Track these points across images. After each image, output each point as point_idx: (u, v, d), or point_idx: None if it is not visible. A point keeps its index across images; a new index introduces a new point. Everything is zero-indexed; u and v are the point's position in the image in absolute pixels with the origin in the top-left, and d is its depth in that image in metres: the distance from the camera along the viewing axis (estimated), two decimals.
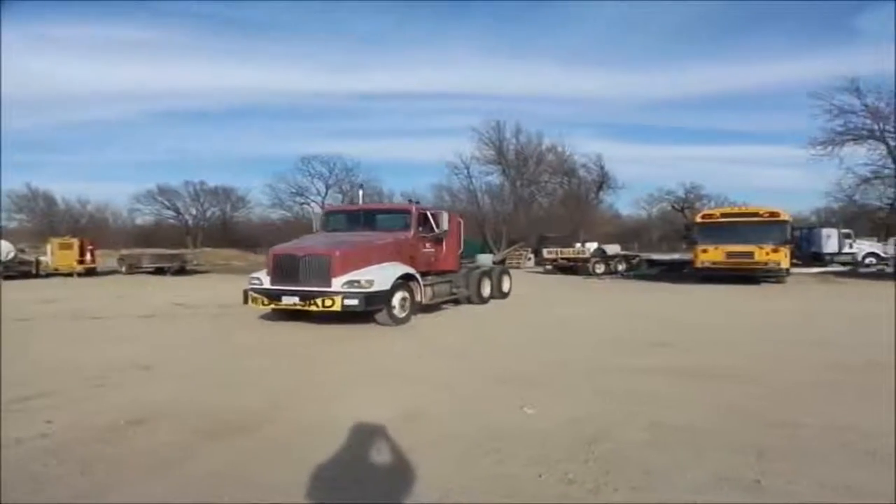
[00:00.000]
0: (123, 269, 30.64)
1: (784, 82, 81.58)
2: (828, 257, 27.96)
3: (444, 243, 12.97)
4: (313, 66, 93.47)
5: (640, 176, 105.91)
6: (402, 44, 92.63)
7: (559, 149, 48.98)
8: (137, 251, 36.72)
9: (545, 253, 31.49)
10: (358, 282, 9.98)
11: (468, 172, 49.48)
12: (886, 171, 31.92)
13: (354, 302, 9.76)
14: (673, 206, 61.33)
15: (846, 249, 28.41)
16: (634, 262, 28.12)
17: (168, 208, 69.17)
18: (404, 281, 10.81)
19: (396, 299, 10.46)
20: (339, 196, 64.40)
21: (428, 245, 12.40)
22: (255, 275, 11.13)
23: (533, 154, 48.66)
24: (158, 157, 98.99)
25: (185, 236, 64.81)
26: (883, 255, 29.49)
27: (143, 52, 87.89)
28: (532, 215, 47.32)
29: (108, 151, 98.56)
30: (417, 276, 11.29)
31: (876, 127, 30.82)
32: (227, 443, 4.18)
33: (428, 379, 6.15)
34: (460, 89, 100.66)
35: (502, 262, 22.93)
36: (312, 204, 64.90)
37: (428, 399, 5.31)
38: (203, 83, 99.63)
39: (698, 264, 19.65)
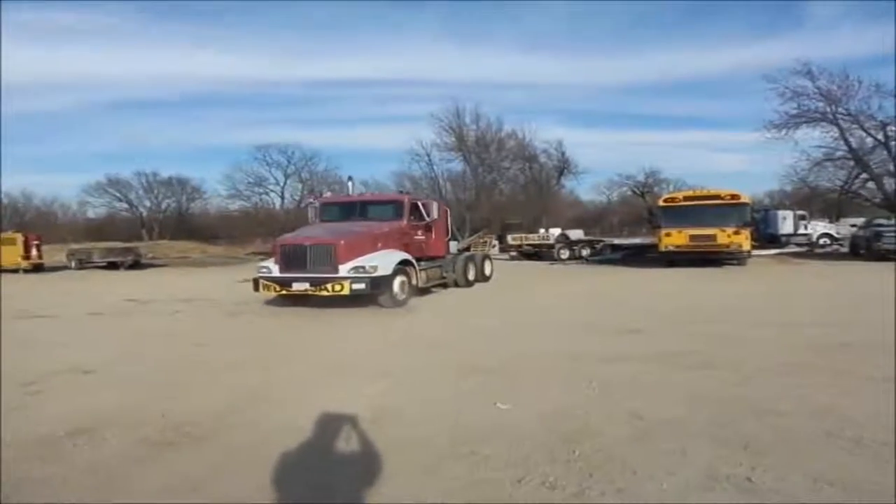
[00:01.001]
0: (73, 264, 29.36)
1: (737, 69, 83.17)
2: (784, 238, 28.68)
3: (433, 230, 13.85)
4: (269, 53, 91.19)
5: (600, 161, 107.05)
6: (360, 30, 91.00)
7: (520, 135, 48.98)
8: (88, 245, 35.30)
9: (510, 239, 31.44)
10: (363, 267, 10.84)
11: (429, 159, 49.10)
12: (839, 154, 32.74)
13: (362, 286, 10.67)
14: (633, 191, 62.12)
15: (801, 231, 29.18)
16: (598, 247, 28.27)
17: (120, 200, 66.38)
18: (403, 266, 11.72)
19: (397, 283, 11.35)
20: (299, 185, 63.22)
21: (419, 233, 13.25)
22: (262, 264, 11.96)
23: (493, 140, 48.49)
24: (108, 148, 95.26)
25: (141, 229, 62.52)
26: (836, 235, 30.41)
27: (91, 39, 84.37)
28: (494, 202, 47.22)
29: (55, 143, 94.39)
30: (413, 261, 12.20)
31: (828, 109, 31.53)
32: (180, 453, 3.82)
33: (396, 373, 5.85)
34: (419, 76, 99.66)
35: (467, 248, 22.88)
36: (271, 195, 63.71)
37: (397, 396, 5.02)
38: (155, 71, 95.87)
39: (662, 248, 19.78)
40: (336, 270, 10.80)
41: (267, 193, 64.17)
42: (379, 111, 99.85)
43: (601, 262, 25.33)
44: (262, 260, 12.55)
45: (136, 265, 29.02)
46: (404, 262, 11.83)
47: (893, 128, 30.20)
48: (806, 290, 12.75)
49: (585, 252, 27.49)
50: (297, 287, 10.95)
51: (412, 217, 12.99)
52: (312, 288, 10.82)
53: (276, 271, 11.35)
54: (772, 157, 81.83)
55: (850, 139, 31.45)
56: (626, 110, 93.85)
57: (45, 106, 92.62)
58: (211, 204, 68.27)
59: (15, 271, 26.01)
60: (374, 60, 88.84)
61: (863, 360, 5.83)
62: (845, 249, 26.00)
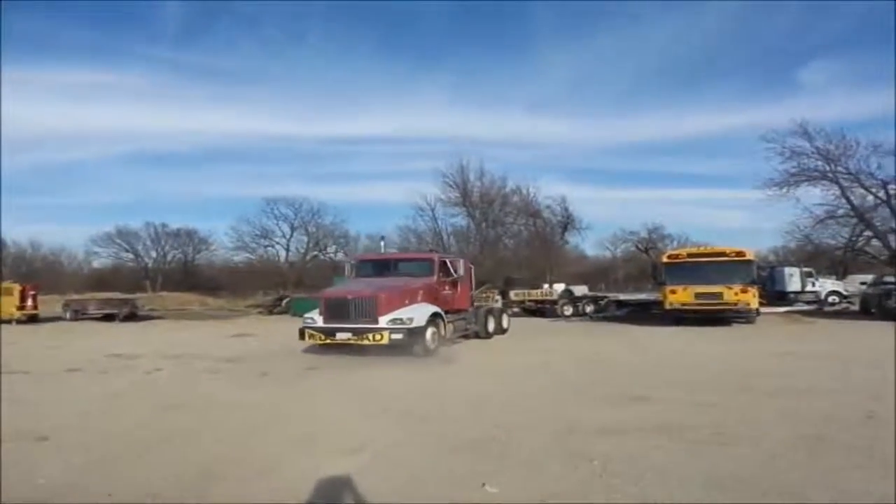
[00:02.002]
0: (68, 315, 28.95)
1: (735, 129, 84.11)
2: (792, 296, 28.02)
3: (458, 286, 14.87)
4: (282, 111, 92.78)
5: (604, 217, 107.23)
6: (371, 91, 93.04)
7: (524, 191, 49.19)
8: (85, 296, 34.99)
9: (512, 295, 30.83)
10: (401, 319, 11.86)
11: (433, 214, 49.28)
12: (841, 211, 32.51)
13: (400, 336, 11.64)
14: (637, 247, 61.80)
15: (809, 288, 28.57)
16: (603, 303, 27.64)
17: (127, 251, 66.48)
18: (434, 318, 12.66)
19: (429, 334, 12.25)
20: (305, 238, 63.27)
21: (447, 287, 14.31)
22: (308, 315, 12.95)
23: (497, 196, 48.70)
24: (120, 199, 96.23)
25: (144, 280, 62.22)
26: (844, 293, 29.77)
27: (105, 95, 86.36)
28: (498, 256, 46.87)
29: (69, 194, 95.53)
30: (443, 314, 13.17)
31: (828, 168, 31.51)
32: None
33: (375, 446, 5.28)
34: (427, 134, 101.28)
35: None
36: (277, 247, 63.70)
37: (374, 473, 4.46)
38: (169, 126, 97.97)
39: (668, 306, 19.21)
40: (376, 321, 11.79)
41: (273, 246, 64.08)
42: (386, 167, 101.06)
43: (606, 318, 24.70)
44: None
45: (132, 317, 28.55)
46: (435, 315, 12.79)
47: (893, 186, 30.10)
48: (821, 353, 12.10)
49: (590, 308, 26.88)
50: (341, 336, 11.95)
51: (441, 273, 14.08)
52: (355, 337, 11.81)
53: (320, 321, 12.33)
54: (774, 214, 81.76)
55: (852, 197, 31.33)
56: (628, 168, 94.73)
57: (62, 158, 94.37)
58: (216, 255, 68.28)
59: (9, 322, 25.61)
60: (384, 120, 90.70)
61: (889, 437, 5.25)
62: (855, 308, 25.32)
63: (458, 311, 14.68)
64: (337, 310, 12.28)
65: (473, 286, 16.57)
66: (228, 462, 4.90)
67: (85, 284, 55.19)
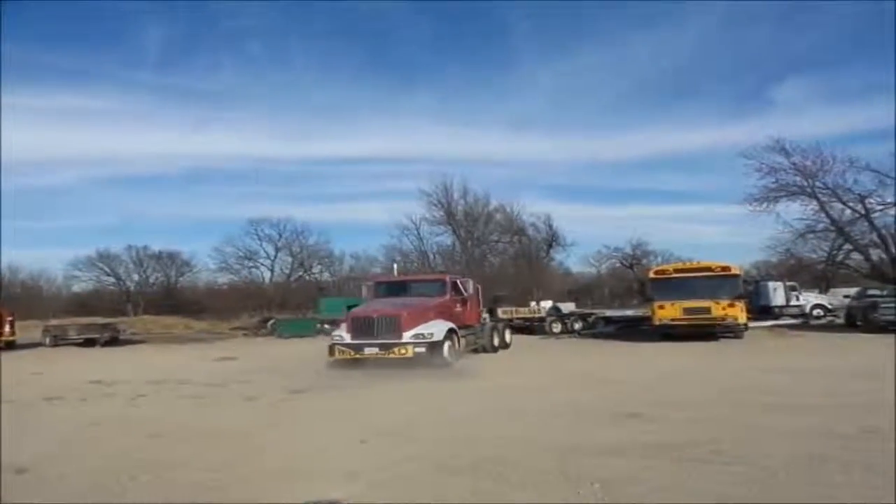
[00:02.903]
0: (48, 340, 28.15)
1: (714, 146, 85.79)
2: (777, 310, 28.22)
3: (468, 303, 16.19)
4: (265, 132, 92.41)
5: (588, 233, 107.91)
6: (354, 112, 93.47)
7: (507, 209, 49.43)
8: (65, 321, 34.21)
9: (500, 312, 30.68)
10: (423, 335, 13.16)
11: (418, 233, 49.36)
12: (821, 226, 33.01)
13: (422, 350, 12.92)
14: (622, 263, 62.17)
15: (794, 302, 28.81)
16: (590, 319, 27.67)
17: (108, 274, 65.33)
18: (450, 333, 13.91)
19: (446, 347, 13.55)
20: (289, 259, 62.80)
21: (458, 305, 15.61)
22: (335, 332, 14.28)
23: (482, 214, 48.91)
24: (101, 222, 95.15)
25: (126, 304, 61.10)
26: (829, 306, 30.06)
27: (85, 118, 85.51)
28: (484, 275, 46.94)
29: (50, 217, 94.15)
30: (457, 329, 14.41)
31: (806, 183, 32.04)
32: None
33: (367, 472, 5.13)
34: (410, 154, 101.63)
35: None
36: (261, 268, 63.13)
37: (369, 501, 4.31)
38: (151, 149, 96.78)
39: (656, 321, 19.22)
40: (400, 337, 13.04)
41: (257, 267, 63.60)
42: (370, 187, 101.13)
43: (595, 335, 24.68)
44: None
45: (113, 341, 27.82)
46: (451, 331, 14.03)
47: (871, 200, 30.66)
48: (812, 367, 12.13)
49: (578, 325, 26.85)
50: (368, 351, 13.17)
51: (453, 292, 15.43)
52: (382, 352, 13.02)
53: (348, 338, 13.59)
54: (756, 230, 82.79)
55: (831, 211, 31.83)
56: (611, 185, 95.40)
57: (45, 182, 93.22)
58: (199, 278, 67.38)
59: None
60: (368, 140, 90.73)
61: (887, 451, 5.22)
62: (840, 321, 25.57)
63: (467, 327, 15.74)
64: (364, 328, 13.56)
65: (481, 304, 17.99)
66: (215, 491, 4.73)
67: (65, 309, 54.01)
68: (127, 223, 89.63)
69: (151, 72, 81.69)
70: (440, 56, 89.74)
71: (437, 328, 13.56)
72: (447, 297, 15.19)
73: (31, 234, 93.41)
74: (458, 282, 16.11)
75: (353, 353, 13.29)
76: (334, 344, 13.70)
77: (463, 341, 14.76)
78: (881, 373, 10.28)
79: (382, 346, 13.04)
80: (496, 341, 17.70)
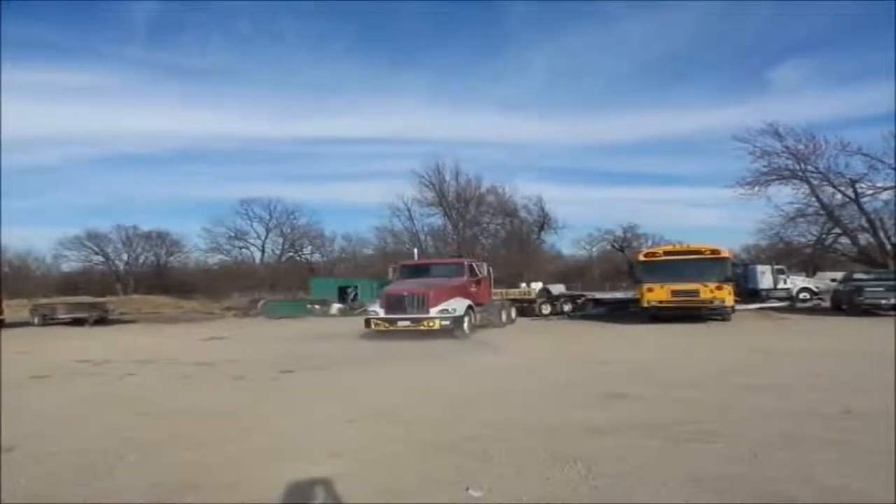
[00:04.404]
0: (36, 320, 28.07)
1: (707, 129, 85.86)
2: (764, 293, 28.54)
3: (482, 284, 18.44)
4: (256, 111, 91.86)
5: (580, 216, 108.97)
6: (345, 92, 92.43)
7: (499, 190, 49.34)
8: (54, 300, 34.00)
9: None
10: (447, 310, 15.42)
11: (409, 214, 49.24)
12: (811, 209, 33.25)
13: (448, 323, 15.24)
14: (612, 245, 62.51)
15: (781, 285, 29.12)
16: (580, 301, 27.84)
17: (97, 253, 64.81)
18: (469, 309, 16.20)
19: (466, 321, 15.92)
20: (280, 239, 62.63)
21: (474, 285, 17.74)
22: (370, 308, 16.77)
23: (473, 196, 48.79)
24: (90, 202, 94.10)
25: (115, 283, 60.70)
26: (815, 289, 30.40)
27: (82, 97, 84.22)
28: (475, 256, 47.08)
29: (38, 196, 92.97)
30: (474, 306, 16.67)
31: (798, 167, 32.21)
32: None
33: (355, 450, 5.17)
34: (402, 135, 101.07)
35: None
36: (252, 248, 62.92)
37: (355, 479, 4.36)
38: (140, 127, 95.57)
39: (645, 303, 19.38)
40: (427, 312, 15.25)
41: (247, 247, 63.44)
42: (361, 168, 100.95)
43: (584, 316, 24.85)
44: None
45: (102, 321, 27.79)
46: (470, 307, 16.29)
47: (862, 185, 30.89)
48: (797, 349, 12.30)
49: (567, 307, 27.02)
50: (401, 324, 15.40)
51: (470, 274, 17.73)
52: (413, 324, 15.23)
53: (382, 313, 15.84)
54: (747, 213, 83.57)
55: (821, 195, 32.05)
56: (603, 168, 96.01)
57: (32, 160, 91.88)
58: (190, 258, 67.04)
59: None
60: (359, 120, 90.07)
61: (868, 430, 5.33)
62: (826, 304, 25.88)
63: (481, 304, 17.76)
64: (396, 304, 15.73)
65: (492, 284, 20.35)
66: (203, 470, 4.75)
67: (53, 288, 53.65)
68: (115, 202, 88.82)
69: (140, 47, 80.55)
70: (433, 37, 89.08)
71: (458, 304, 15.74)
72: (465, 278, 17.38)
73: (18, 213, 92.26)
74: (475, 265, 18.40)
75: (387, 325, 15.49)
76: (370, 318, 15.90)
77: (479, 317, 16.92)
78: (861, 353, 10.45)
79: (413, 320, 15.17)
80: (504, 318, 19.93)
